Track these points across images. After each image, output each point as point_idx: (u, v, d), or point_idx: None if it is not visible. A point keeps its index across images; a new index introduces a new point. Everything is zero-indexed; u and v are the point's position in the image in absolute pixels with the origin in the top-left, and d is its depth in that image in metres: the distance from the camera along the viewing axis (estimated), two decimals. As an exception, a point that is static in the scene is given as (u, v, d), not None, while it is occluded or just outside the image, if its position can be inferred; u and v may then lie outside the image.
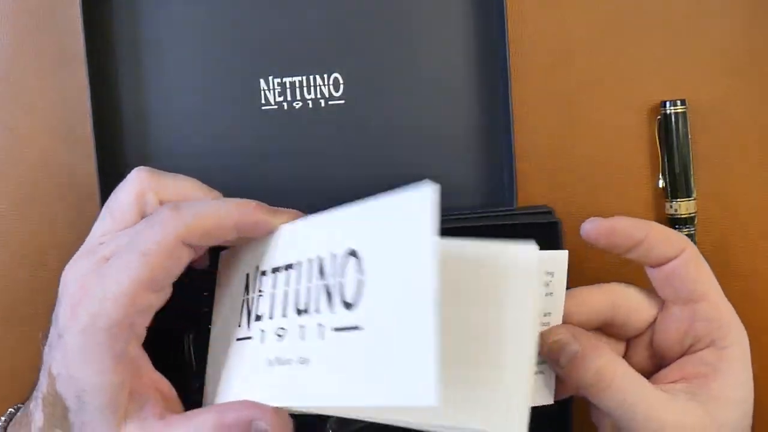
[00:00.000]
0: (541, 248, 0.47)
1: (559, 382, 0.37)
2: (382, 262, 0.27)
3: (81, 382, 0.32)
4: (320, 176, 0.49)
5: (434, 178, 0.48)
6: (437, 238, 0.25)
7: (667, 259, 0.36)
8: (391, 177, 0.49)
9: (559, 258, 0.35)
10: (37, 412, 0.35)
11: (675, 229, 0.49)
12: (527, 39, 0.49)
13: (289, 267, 0.32)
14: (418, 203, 0.26)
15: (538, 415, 0.32)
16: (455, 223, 0.45)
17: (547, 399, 0.36)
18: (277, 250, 0.34)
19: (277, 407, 0.30)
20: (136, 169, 0.37)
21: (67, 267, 0.35)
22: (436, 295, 0.24)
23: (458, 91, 0.49)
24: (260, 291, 0.34)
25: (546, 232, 0.46)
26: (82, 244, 0.50)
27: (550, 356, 0.34)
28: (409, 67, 0.48)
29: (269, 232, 0.34)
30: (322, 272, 0.30)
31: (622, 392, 0.33)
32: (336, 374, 0.28)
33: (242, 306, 0.35)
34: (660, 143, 0.49)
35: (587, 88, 0.50)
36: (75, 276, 0.34)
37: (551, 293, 0.34)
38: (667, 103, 0.49)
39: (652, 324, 0.38)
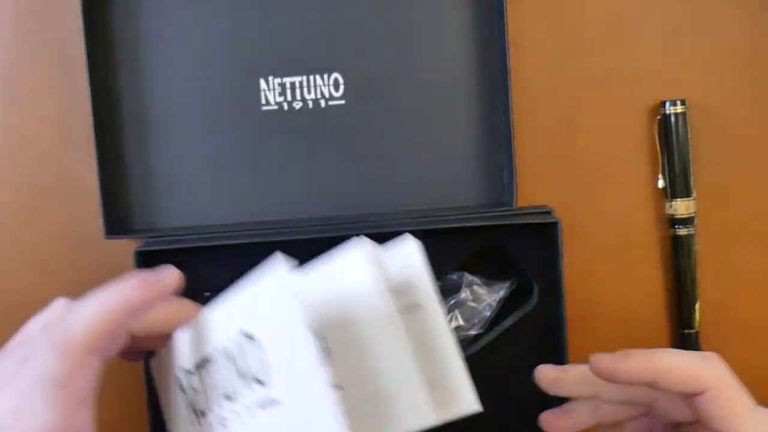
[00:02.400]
0: (542, 247, 0.48)
1: None
2: (273, 339, 0.31)
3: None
4: (320, 176, 0.49)
5: (435, 178, 0.49)
6: (303, 301, 0.29)
7: (690, 395, 0.33)
8: (391, 177, 0.49)
9: (410, 248, 0.33)
10: None
11: (675, 229, 0.49)
12: (527, 39, 0.49)
13: (206, 361, 0.34)
14: (278, 283, 0.30)
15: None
16: (455, 223, 0.45)
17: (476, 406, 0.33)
18: (193, 346, 0.35)
19: None
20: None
21: None
22: (321, 358, 0.28)
23: (458, 92, 0.49)
24: (194, 389, 0.35)
25: (546, 232, 0.46)
26: (82, 243, 0.50)
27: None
28: (409, 67, 0.48)
29: (161, 299, 0.34)
30: (231, 358, 0.33)
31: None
32: None
33: (188, 405, 0.36)
34: (660, 143, 0.49)
35: (587, 88, 0.50)
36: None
37: (408, 283, 0.32)
38: (667, 103, 0.49)
39: None
